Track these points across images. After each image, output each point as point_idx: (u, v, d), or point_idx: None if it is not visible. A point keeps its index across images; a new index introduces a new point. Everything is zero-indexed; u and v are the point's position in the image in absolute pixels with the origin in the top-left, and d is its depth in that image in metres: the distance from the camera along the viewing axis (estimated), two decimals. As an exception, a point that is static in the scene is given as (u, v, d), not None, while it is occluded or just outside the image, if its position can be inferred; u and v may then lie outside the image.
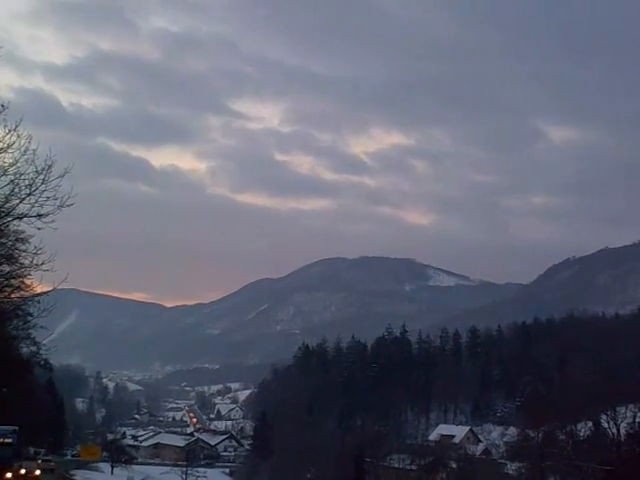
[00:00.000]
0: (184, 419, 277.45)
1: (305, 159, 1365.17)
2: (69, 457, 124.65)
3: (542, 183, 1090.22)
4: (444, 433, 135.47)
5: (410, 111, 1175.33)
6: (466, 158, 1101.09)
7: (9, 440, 51.04)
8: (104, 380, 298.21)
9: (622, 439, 76.84)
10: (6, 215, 26.54)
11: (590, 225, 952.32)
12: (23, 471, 57.05)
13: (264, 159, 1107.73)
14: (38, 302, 37.52)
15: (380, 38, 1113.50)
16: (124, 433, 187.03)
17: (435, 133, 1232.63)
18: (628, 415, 77.68)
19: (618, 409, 79.05)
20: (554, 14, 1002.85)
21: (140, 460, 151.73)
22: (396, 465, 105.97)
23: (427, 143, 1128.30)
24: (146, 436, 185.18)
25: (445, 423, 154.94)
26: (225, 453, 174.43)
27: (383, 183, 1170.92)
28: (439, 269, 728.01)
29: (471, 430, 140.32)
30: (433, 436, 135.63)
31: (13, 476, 50.35)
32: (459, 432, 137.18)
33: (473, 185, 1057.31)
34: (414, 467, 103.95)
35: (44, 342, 60.78)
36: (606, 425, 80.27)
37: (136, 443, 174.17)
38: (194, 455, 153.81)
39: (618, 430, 77.23)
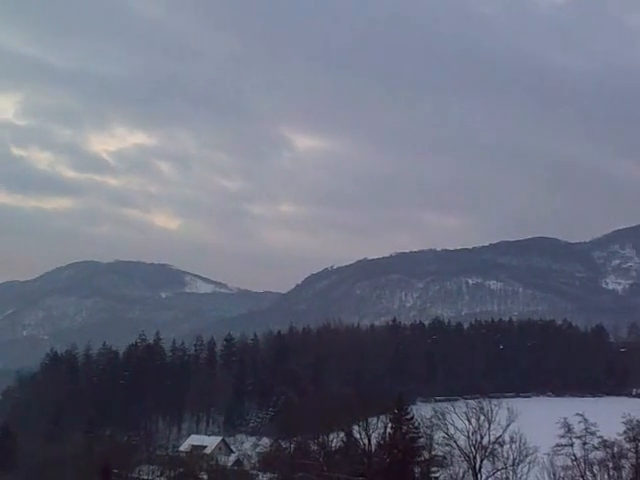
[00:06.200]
0: None
1: (43, 155, 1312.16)
2: None
3: (290, 192, 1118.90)
4: (195, 443, 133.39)
5: (153, 111, 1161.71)
6: (212, 162, 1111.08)
7: None
8: None
9: (373, 449, 78.78)
10: None
11: (348, 237, 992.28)
12: None
13: (0, 153, 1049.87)
14: None
15: (122, 34, 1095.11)
16: None
17: (179, 135, 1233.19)
18: (379, 426, 79.77)
19: (370, 420, 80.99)
20: (308, 23, 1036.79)
21: None
22: (145, 477, 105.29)
23: (171, 144, 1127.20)
24: None
25: (197, 433, 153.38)
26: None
27: (128, 184, 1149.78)
28: (196, 276, 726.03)
29: (223, 440, 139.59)
30: (184, 446, 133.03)
31: None
32: (211, 442, 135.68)
33: (221, 190, 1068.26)
34: (164, 479, 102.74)
35: None
36: (358, 436, 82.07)
37: None
38: None
39: (369, 440, 79.19)
